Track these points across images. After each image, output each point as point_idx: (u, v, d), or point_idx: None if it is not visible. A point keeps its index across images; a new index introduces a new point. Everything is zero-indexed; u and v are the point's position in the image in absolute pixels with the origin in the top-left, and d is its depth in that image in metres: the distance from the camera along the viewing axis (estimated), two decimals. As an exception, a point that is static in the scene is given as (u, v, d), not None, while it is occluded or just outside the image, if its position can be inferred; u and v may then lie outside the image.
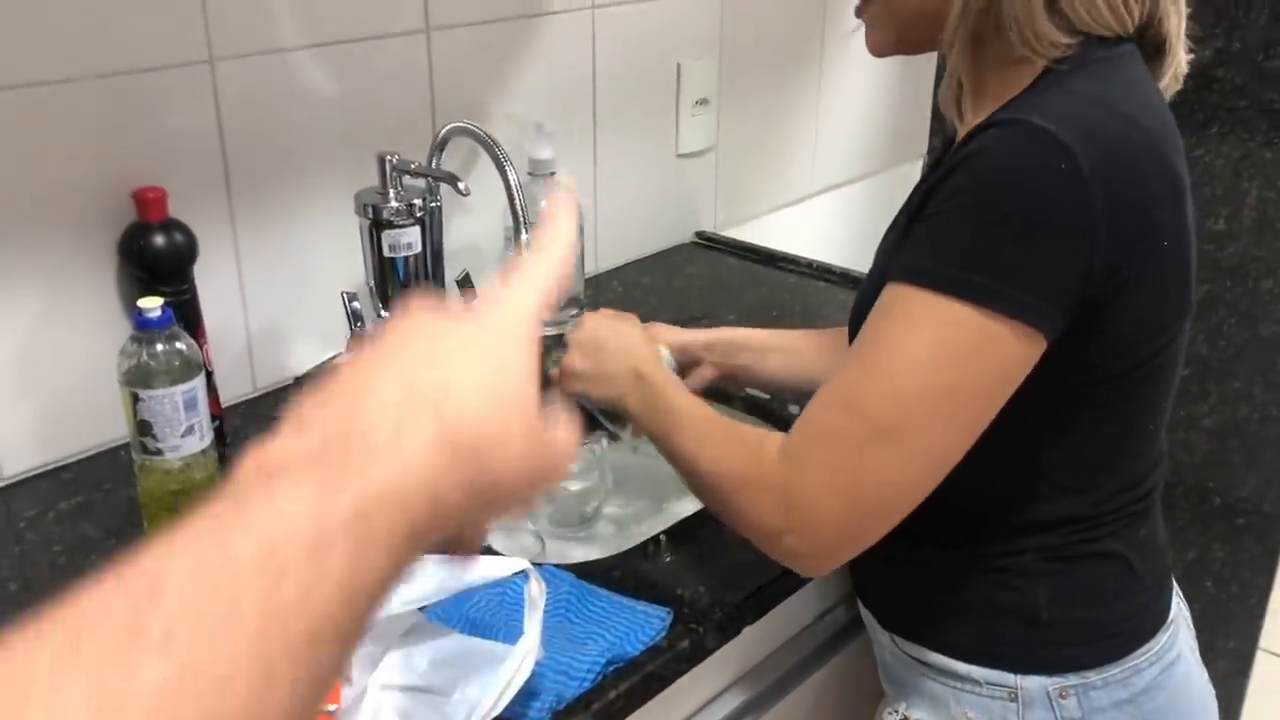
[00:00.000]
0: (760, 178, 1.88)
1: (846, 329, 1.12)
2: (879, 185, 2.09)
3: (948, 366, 0.75)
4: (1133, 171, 0.76)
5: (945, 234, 0.76)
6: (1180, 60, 0.86)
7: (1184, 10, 0.85)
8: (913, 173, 2.09)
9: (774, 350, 1.16)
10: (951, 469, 0.77)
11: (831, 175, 2.01)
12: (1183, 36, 0.85)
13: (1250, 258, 1.93)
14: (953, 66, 0.86)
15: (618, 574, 0.98)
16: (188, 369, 0.90)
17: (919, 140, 2.14)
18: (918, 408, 0.75)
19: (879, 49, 0.91)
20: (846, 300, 1.35)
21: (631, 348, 0.99)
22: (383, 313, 1.24)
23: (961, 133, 0.86)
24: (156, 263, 1.08)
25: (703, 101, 1.71)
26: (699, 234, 1.79)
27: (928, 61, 2.02)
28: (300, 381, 1.28)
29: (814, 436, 0.79)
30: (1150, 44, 0.84)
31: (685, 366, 1.14)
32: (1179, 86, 0.88)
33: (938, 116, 2.01)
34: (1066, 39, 0.79)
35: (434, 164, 1.22)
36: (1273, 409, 1.99)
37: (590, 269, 1.61)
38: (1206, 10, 1.84)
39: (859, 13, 0.91)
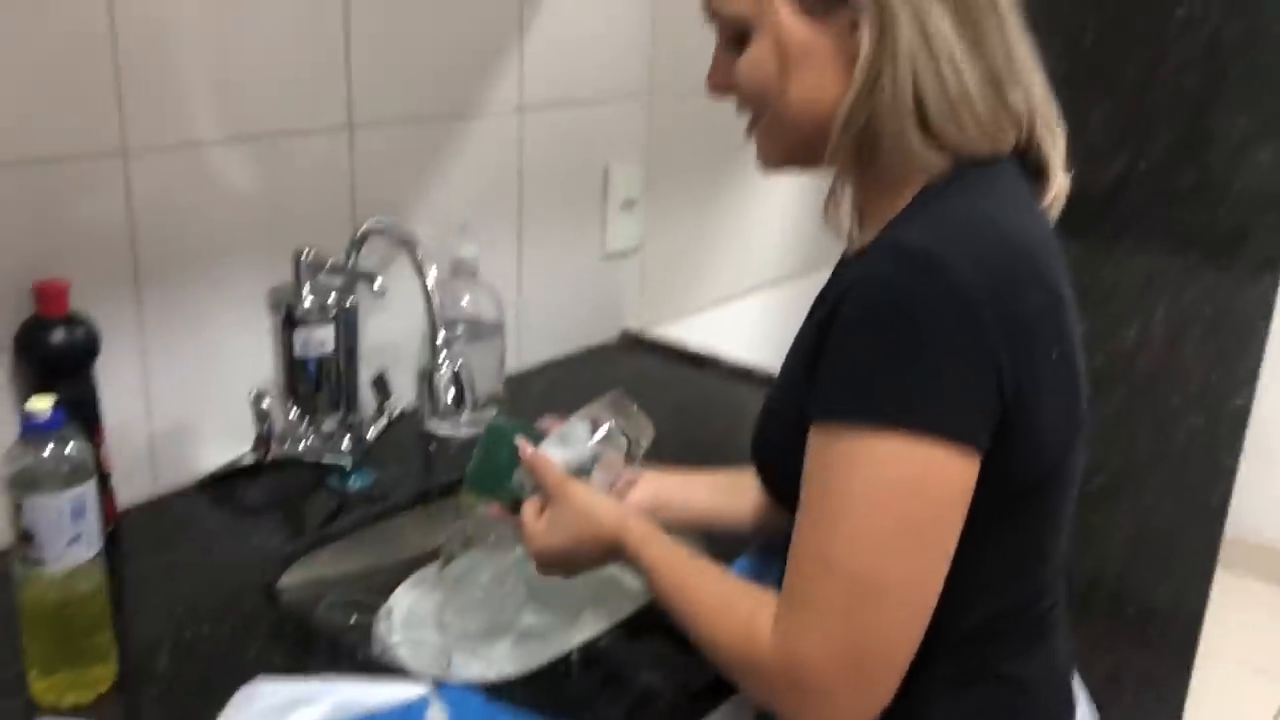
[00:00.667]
0: (687, 277, 1.89)
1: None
2: (806, 286, 2.10)
3: (901, 500, 0.75)
4: (1012, 286, 0.77)
5: (853, 369, 0.76)
6: (1061, 182, 0.88)
7: (1061, 134, 0.87)
8: (836, 277, 2.11)
9: (707, 489, 1.15)
10: (940, 596, 0.77)
11: (759, 275, 2.03)
12: (1062, 159, 0.87)
13: (1159, 371, 1.98)
14: (834, 183, 0.87)
15: (531, 693, 0.94)
16: (78, 474, 0.86)
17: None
18: (887, 550, 0.75)
19: (767, 166, 0.93)
20: (768, 405, 1.35)
21: (590, 534, 0.95)
22: (292, 414, 1.21)
23: (852, 249, 0.87)
24: (54, 359, 1.04)
25: (630, 202, 1.72)
26: (625, 332, 1.78)
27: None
28: (206, 482, 1.24)
29: (800, 607, 0.78)
30: (1030, 166, 0.86)
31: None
32: (1061, 205, 0.90)
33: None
34: (940, 159, 0.81)
35: (351, 261, 1.19)
36: (1184, 520, 2.02)
37: (513, 366, 1.59)
38: (1112, 128, 1.90)
39: (748, 132, 0.92)
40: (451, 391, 1.10)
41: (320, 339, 1.17)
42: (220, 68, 1.16)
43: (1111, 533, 2.05)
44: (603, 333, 1.75)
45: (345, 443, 1.25)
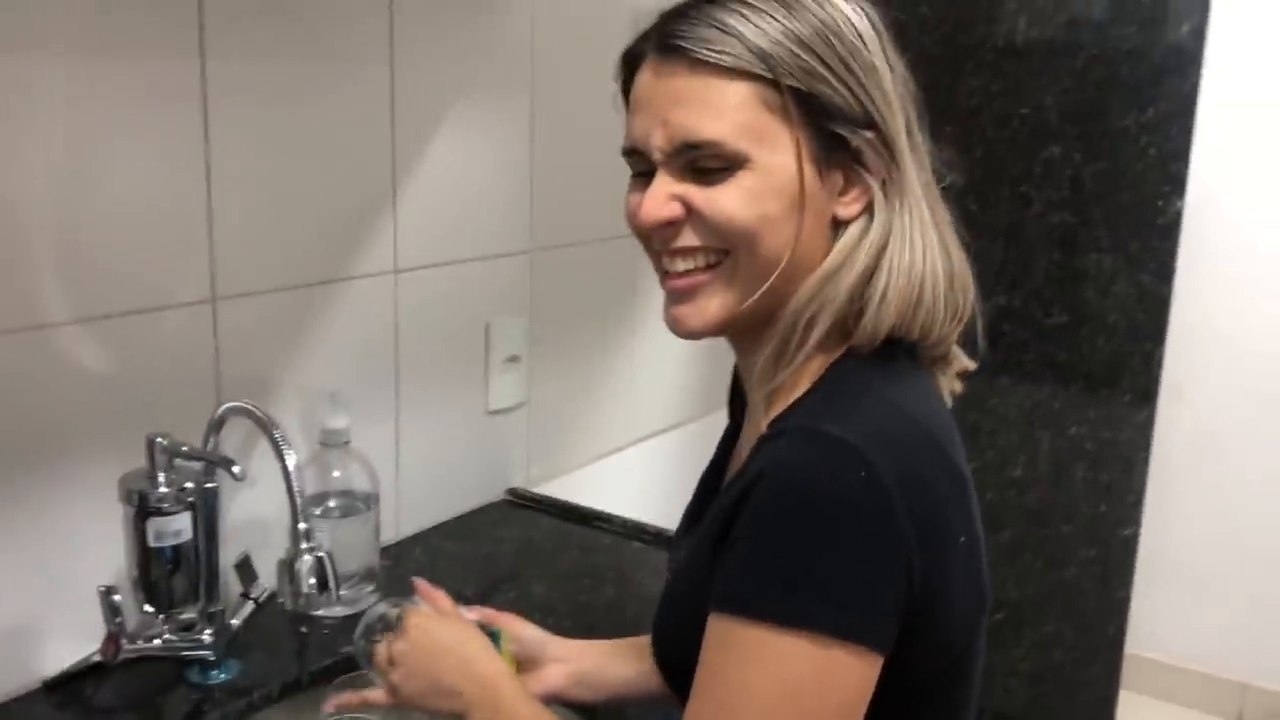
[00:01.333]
0: (574, 431, 1.86)
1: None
2: (694, 432, 2.09)
3: (799, 699, 0.71)
4: (924, 474, 0.75)
5: (763, 563, 0.72)
6: (961, 361, 0.88)
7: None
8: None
9: (622, 659, 1.10)
10: None
11: (646, 425, 2.01)
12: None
13: (1049, 503, 1.99)
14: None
15: None
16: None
17: (733, 387, 2.17)
18: None
19: (700, 322, 0.84)
20: (658, 565, 1.31)
21: (473, 655, 0.93)
22: (146, 607, 1.13)
23: (753, 420, 0.85)
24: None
25: (513, 358, 1.69)
26: (511, 491, 1.74)
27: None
28: (50, 685, 1.15)
29: None
30: (929, 355, 0.85)
31: (522, 660, 1.07)
32: (960, 387, 0.89)
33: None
34: (863, 340, 0.80)
35: (211, 444, 1.14)
36: (1083, 651, 2.02)
37: (390, 536, 1.53)
38: (987, 268, 1.95)
39: (684, 279, 0.84)
40: (312, 580, 1.04)
41: (176, 528, 1.11)
42: (70, 244, 1.12)
43: (1014, 669, 2.04)
44: (489, 492, 1.71)
45: (207, 633, 1.17)
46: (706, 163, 0.80)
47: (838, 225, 0.82)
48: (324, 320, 1.40)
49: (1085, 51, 1.87)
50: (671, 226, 0.82)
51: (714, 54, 0.78)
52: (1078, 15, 1.88)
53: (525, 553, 1.57)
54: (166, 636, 1.16)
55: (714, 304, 0.83)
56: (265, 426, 1.08)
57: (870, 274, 0.80)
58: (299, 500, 1.05)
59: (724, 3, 0.80)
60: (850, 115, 0.79)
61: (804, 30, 0.78)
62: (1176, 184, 1.85)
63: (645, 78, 0.83)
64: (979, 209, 1.96)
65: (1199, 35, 1.81)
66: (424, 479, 1.58)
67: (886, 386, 0.79)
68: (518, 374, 1.71)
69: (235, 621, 1.21)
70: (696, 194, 0.81)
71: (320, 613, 1.31)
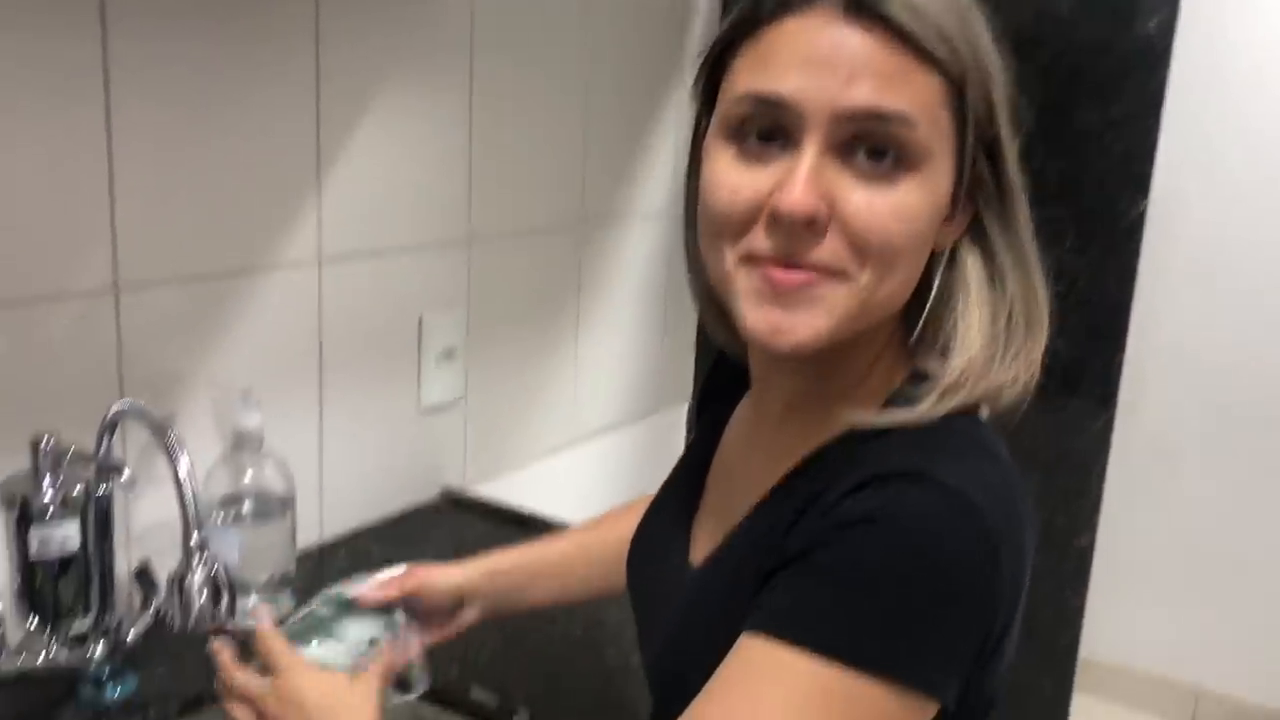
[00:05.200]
0: (513, 429, 1.79)
1: (610, 520, 1.07)
2: (640, 431, 2.03)
3: None
4: (1020, 528, 0.68)
5: (847, 599, 0.64)
6: None
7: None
8: (675, 417, 2.04)
9: (543, 576, 1.08)
10: None
11: (591, 423, 1.94)
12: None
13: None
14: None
15: None
16: None
17: (683, 384, 2.11)
18: None
19: (807, 337, 0.69)
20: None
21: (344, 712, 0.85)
22: (30, 620, 1.06)
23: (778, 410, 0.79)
24: None
25: (449, 351, 1.62)
26: (445, 491, 1.66)
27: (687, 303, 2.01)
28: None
29: None
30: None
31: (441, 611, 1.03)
32: None
33: (702, 360, 1.99)
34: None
35: (103, 447, 1.06)
36: (1037, 658, 1.97)
37: (313, 539, 1.46)
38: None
39: (797, 283, 0.68)
40: (204, 595, 0.97)
41: (62, 536, 1.03)
42: (-49, 230, 1.04)
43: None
44: (421, 493, 1.63)
45: (99, 648, 1.09)
46: (885, 145, 0.66)
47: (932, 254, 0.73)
48: (240, 312, 1.32)
49: (1049, 47, 1.81)
50: (810, 228, 0.66)
51: (919, 30, 0.65)
52: (1043, 8, 1.82)
53: (456, 555, 1.49)
54: (53, 652, 1.08)
55: (835, 312, 0.68)
56: (157, 428, 1.00)
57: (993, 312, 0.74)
58: (192, 509, 0.98)
59: None
60: (986, 133, 0.70)
61: (982, 32, 0.70)
62: (1140, 184, 1.80)
63: (813, 24, 0.67)
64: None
65: (1167, 30, 1.76)
66: (350, 479, 1.51)
67: (976, 428, 0.73)
68: (453, 369, 1.63)
69: (132, 634, 1.13)
70: (855, 193, 0.66)
71: (231, 627, 1.23)
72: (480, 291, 1.65)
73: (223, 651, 0.91)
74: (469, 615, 1.05)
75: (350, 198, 1.42)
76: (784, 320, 0.68)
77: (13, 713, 1.08)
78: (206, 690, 1.14)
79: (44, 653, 1.08)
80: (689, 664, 0.79)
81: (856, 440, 0.71)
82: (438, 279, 1.59)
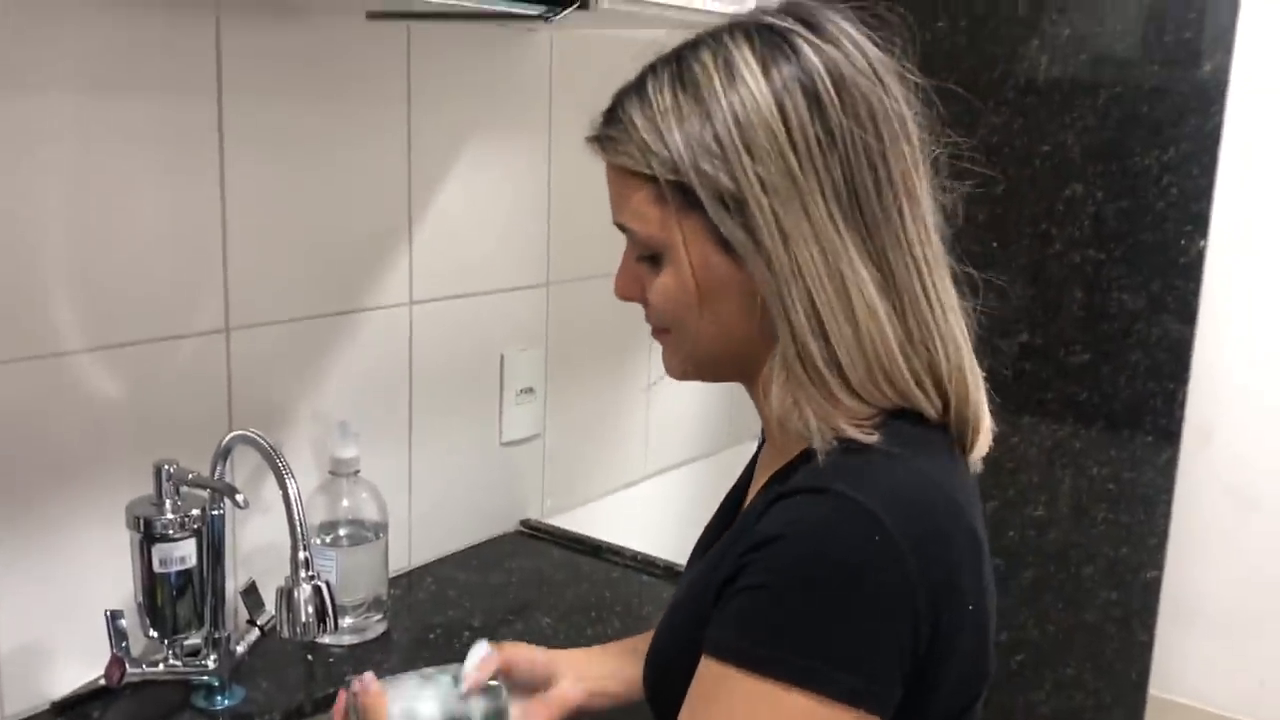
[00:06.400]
0: (589, 464, 1.87)
1: None
2: (713, 466, 2.09)
3: None
4: (940, 535, 0.75)
5: (773, 616, 0.72)
6: (986, 429, 0.86)
7: (980, 377, 0.85)
8: (746, 453, 2.10)
9: (634, 661, 1.08)
10: None
11: (664, 459, 2.01)
12: (985, 407, 0.85)
13: (1070, 544, 1.97)
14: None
15: None
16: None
17: (754, 420, 2.16)
18: None
19: (673, 375, 0.90)
20: (666, 598, 1.31)
21: None
22: (151, 631, 1.15)
23: (770, 441, 0.87)
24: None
25: (528, 390, 1.71)
26: (524, 523, 1.75)
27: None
28: (59, 707, 1.17)
29: None
30: (958, 426, 0.83)
31: (531, 687, 1.05)
32: (987, 448, 0.87)
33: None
34: (868, 412, 0.79)
35: (218, 472, 1.16)
36: (1106, 695, 1.99)
37: (402, 565, 1.55)
38: (1009, 307, 1.94)
39: (653, 336, 0.90)
40: (310, 609, 1.06)
41: (181, 554, 1.13)
42: (84, 271, 1.15)
43: (1034, 711, 2.01)
44: (502, 524, 1.72)
45: (212, 659, 1.19)
46: (639, 248, 0.85)
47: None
48: (337, 351, 1.43)
49: (1107, 90, 1.86)
50: (637, 300, 0.88)
51: (615, 154, 0.83)
52: (1101, 53, 1.87)
53: (533, 584, 1.57)
54: (171, 661, 1.18)
55: (675, 361, 0.89)
56: (268, 455, 1.10)
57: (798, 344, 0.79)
58: (300, 528, 1.07)
59: (641, 89, 0.82)
60: (728, 201, 0.78)
61: (697, 124, 0.78)
62: (1199, 223, 1.84)
63: None
64: (1000, 247, 1.95)
65: (1222, 74, 1.81)
66: (436, 509, 1.60)
67: (905, 445, 0.78)
68: (532, 406, 1.72)
69: (240, 648, 1.23)
70: (646, 280, 0.86)
71: (327, 640, 1.32)
72: (558, 331, 1.74)
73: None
74: (570, 692, 1.05)
75: (438, 243, 1.53)
76: (664, 360, 0.90)
77: (136, 715, 1.17)
78: (306, 702, 1.23)
79: (162, 662, 1.17)
80: (659, 680, 0.89)
81: (801, 460, 0.80)
82: (519, 319, 1.68)
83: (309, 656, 1.32)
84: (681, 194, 0.79)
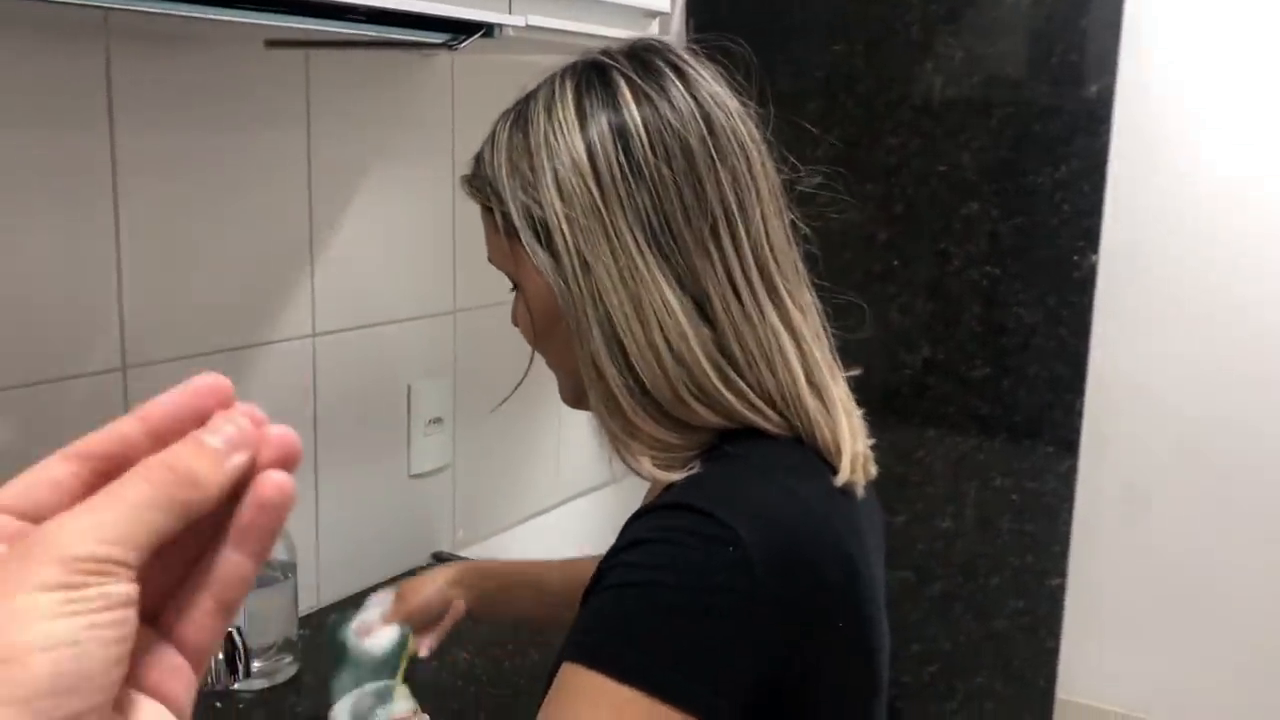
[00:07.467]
0: (500, 493, 1.84)
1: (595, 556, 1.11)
2: (623, 491, 2.09)
3: None
4: (802, 562, 0.75)
5: (615, 615, 0.74)
6: (858, 448, 0.85)
7: (839, 402, 0.85)
8: (658, 477, 2.10)
9: (522, 585, 1.22)
10: None
11: (575, 485, 2.00)
12: (858, 430, 0.85)
13: (977, 554, 2.01)
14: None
15: None
16: None
17: (663, 443, 2.17)
18: None
19: (565, 402, 0.96)
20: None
21: None
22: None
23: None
24: None
25: (436, 420, 1.68)
26: (436, 555, 1.71)
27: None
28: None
29: None
30: (813, 448, 0.83)
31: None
32: (871, 475, 0.87)
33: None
34: (718, 421, 0.81)
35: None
36: (1014, 702, 2.02)
37: (312, 604, 1.50)
38: (912, 322, 1.98)
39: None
40: (219, 656, 1.02)
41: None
42: (-31, 319, 1.10)
43: (948, 721, 2.04)
44: (413, 557, 1.68)
45: (113, 713, 1.14)
46: (510, 280, 0.90)
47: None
48: (239, 387, 1.34)
49: (1000, 110, 1.91)
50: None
51: (471, 190, 0.91)
52: (993, 74, 1.92)
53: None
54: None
55: (561, 389, 0.95)
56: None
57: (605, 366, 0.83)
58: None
59: (493, 129, 0.89)
60: (538, 229, 0.83)
61: (520, 159, 0.85)
62: (1090, 238, 1.89)
63: None
64: (901, 264, 1.99)
65: (1107, 94, 1.87)
66: (345, 545, 1.56)
67: (783, 471, 0.80)
68: (441, 436, 1.69)
69: (143, 700, 1.18)
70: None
71: (237, 687, 1.28)
72: (466, 360, 1.72)
73: None
74: (459, 607, 1.18)
75: (341, 274, 1.49)
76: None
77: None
78: (215, 753, 1.19)
79: None
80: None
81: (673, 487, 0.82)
82: (425, 349, 1.65)
83: (218, 704, 1.27)
84: (510, 224, 0.85)
